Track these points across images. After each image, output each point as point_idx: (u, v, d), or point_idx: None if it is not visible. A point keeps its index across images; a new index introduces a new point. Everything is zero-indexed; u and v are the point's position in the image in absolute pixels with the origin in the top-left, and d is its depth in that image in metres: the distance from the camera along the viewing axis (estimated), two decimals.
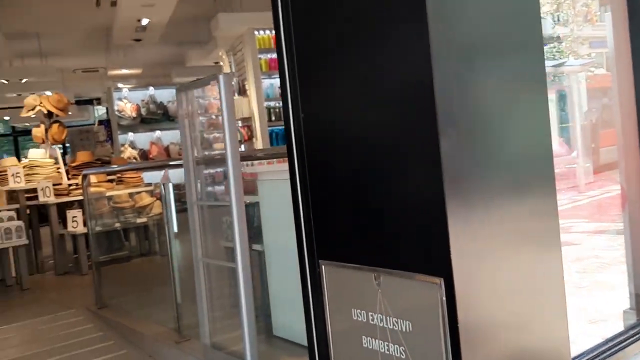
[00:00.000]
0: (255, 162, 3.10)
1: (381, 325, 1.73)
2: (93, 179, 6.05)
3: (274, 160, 2.88)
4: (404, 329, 1.67)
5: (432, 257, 1.54)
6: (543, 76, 1.73)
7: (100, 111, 17.65)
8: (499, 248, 1.61)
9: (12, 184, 6.07)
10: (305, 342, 1.88)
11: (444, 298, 1.53)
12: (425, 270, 1.56)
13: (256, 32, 7.79)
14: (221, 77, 2.12)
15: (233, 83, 7.38)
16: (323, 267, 1.88)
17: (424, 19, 1.42)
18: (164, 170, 3.19)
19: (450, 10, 1.49)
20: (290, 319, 2.82)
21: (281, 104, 1.92)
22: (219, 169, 3.24)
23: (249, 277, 2.25)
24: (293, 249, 1.91)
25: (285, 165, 1.98)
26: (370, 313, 1.76)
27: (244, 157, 2.74)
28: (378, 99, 1.62)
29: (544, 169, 1.73)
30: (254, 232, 3.39)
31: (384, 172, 1.64)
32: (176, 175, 3.28)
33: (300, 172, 1.90)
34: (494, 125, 1.62)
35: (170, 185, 3.11)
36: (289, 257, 1.93)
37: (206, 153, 2.88)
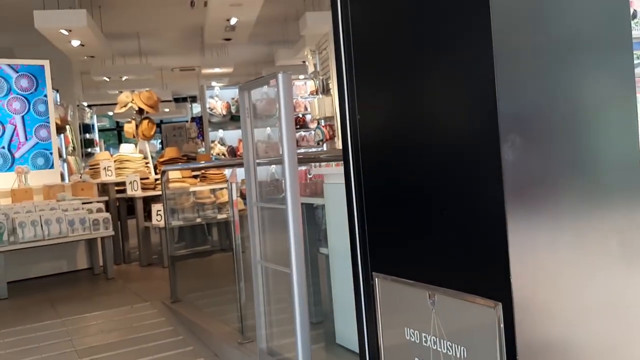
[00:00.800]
0: (323, 163, 3.01)
1: (435, 348, 1.59)
2: (178, 174, 6.22)
3: (342, 162, 2.77)
4: (458, 355, 1.52)
5: (490, 279, 1.39)
6: (631, 76, 1.51)
7: (195, 109, 18.33)
8: (572, 270, 1.42)
9: (104, 177, 6.37)
10: None
11: (502, 325, 1.37)
12: (482, 292, 1.41)
13: None
14: (280, 76, 2.05)
15: (317, 82, 7.34)
16: (376, 279, 1.77)
17: (487, 20, 1.28)
18: (231, 170, 3.17)
19: (517, 11, 1.33)
20: (351, 327, 2.70)
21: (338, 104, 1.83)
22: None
23: (303, 282, 2.16)
24: None
25: None
26: (423, 334, 1.62)
27: (302, 160, 2.65)
28: (437, 103, 1.49)
29: (632, 178, 1.52)
30: (324, 235, 3.29)
31: (440, 182, 1.50)
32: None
33: (356, 179, 1.80)
34: (569, 131, 1.44)
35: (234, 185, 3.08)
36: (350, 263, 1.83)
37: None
